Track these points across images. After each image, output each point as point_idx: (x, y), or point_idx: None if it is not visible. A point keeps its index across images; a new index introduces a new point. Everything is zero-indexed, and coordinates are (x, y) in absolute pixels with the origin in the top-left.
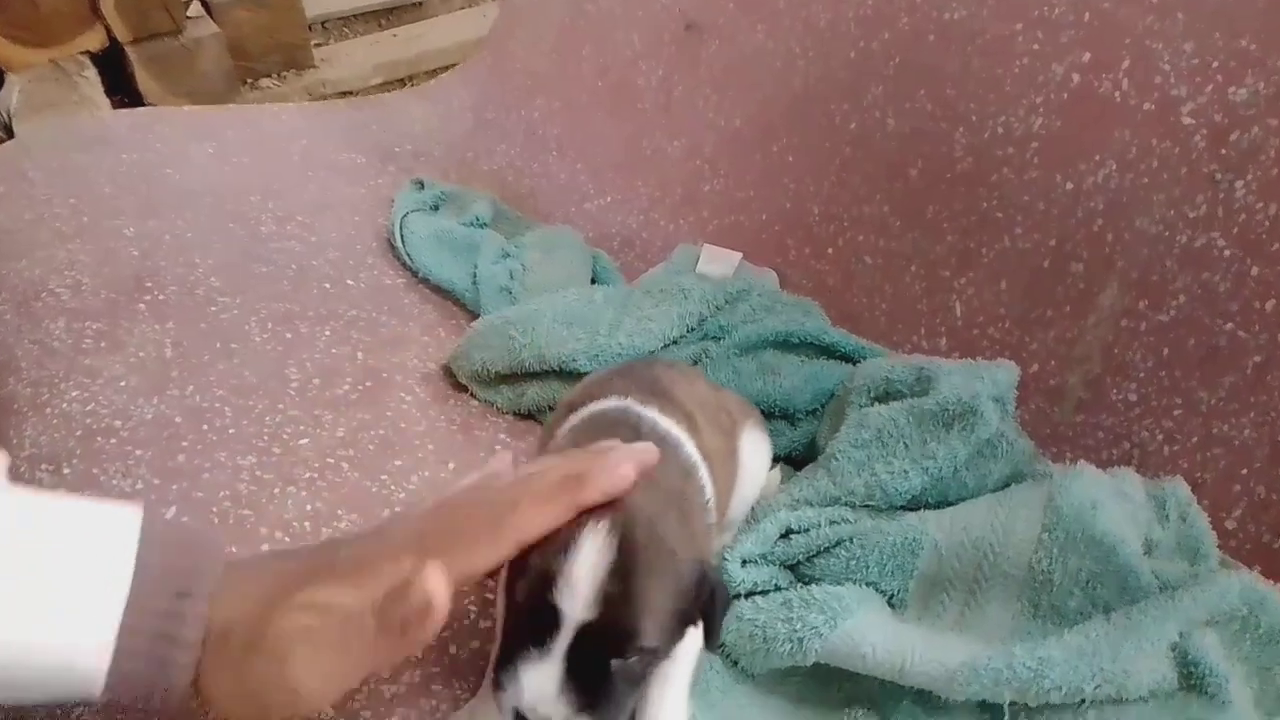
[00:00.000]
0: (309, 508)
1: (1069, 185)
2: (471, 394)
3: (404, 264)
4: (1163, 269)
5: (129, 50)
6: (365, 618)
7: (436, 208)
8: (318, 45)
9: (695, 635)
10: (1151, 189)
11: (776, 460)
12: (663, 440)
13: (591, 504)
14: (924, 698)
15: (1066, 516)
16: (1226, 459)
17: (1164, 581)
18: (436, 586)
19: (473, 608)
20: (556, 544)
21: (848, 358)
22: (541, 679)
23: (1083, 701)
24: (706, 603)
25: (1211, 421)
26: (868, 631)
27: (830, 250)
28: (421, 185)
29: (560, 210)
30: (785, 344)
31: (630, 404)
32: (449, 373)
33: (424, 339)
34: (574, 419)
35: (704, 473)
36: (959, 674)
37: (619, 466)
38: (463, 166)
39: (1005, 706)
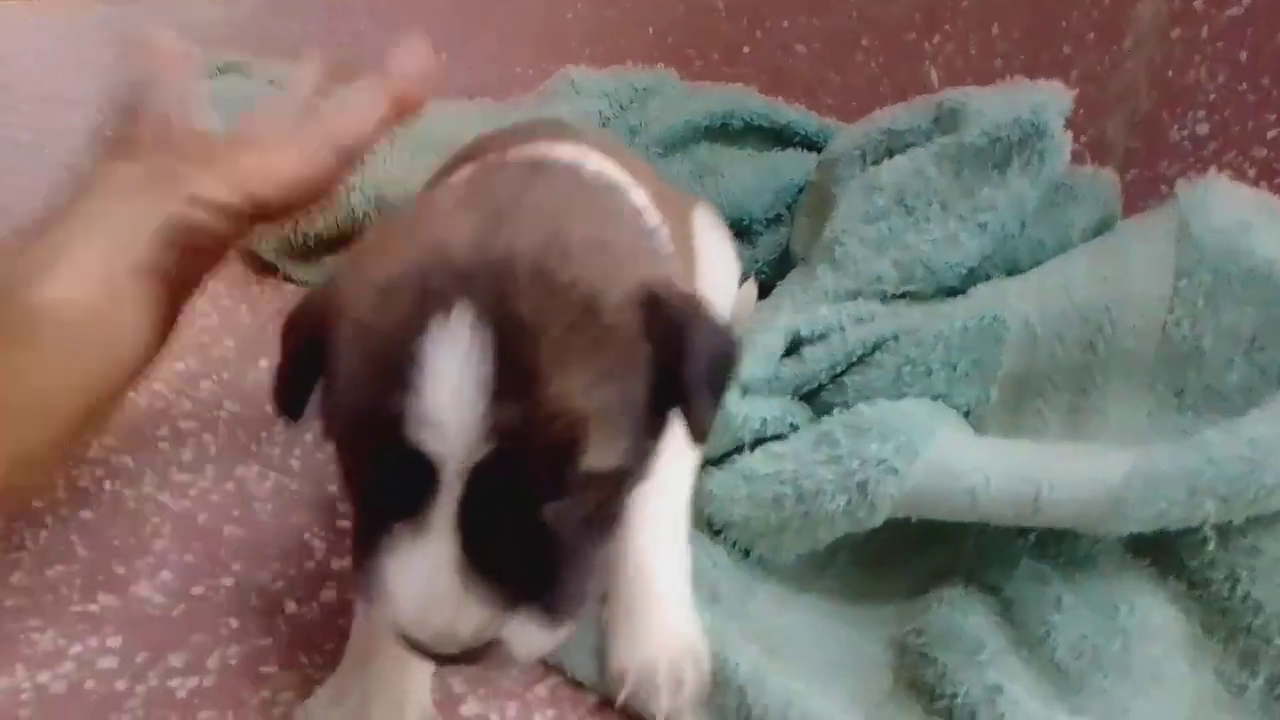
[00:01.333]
0: None
1: None
2: (285, 273)
3: None
4: None
5: None
6: None
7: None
8: None
9: (679, 432)
10: None
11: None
12: (609, 189)
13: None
14: (1051, 549)
15: (1210, 249)
16: None
17: None
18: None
19: (317, 541)
20: (390, 345)
21: (810, 144)
22: (424, 577)
23: None
24: (682, 352)
25: None
26: (967, 455)
27: (747, 49)
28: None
29: None
30: (724, 132)
31: (557, 147)
32: (251, 255)
33: None
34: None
35: (665, 235)
36: (1130, 492)
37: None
38: (246, 42)
39: (1207, 530)
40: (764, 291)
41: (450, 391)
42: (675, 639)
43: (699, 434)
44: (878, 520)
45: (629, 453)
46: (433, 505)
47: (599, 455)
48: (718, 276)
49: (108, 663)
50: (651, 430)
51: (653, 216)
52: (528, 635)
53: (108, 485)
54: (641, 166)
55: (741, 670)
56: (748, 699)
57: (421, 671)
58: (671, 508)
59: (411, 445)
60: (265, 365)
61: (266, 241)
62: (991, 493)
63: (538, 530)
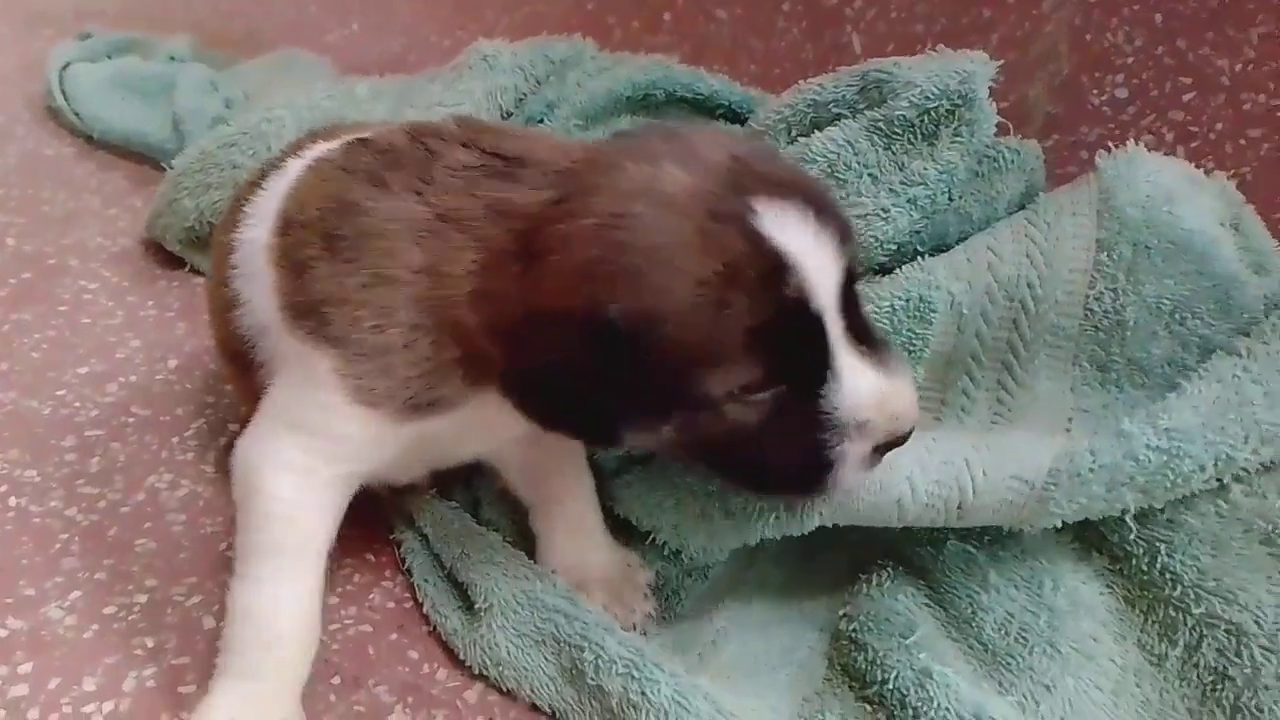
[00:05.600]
0: None
1: None
2: (191, 265)
3: (71, 126)
4: None
5: None
6: None
7: (111, 57)
8: None
9: None
10: None
11: None
12: None
13: None
14: (977, 529)
15: (1131, 222)
16: (1271, 139)
17: (1272, 298)
18: None
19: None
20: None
21: (734, 115)
22: (896, 378)
23: (1230, 478)
24: None
25: (1240, 95)
26: (893, 463)
27: (668, 15)
28: (89, 36)
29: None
30: (646, 104)
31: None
32: (155, 247)
33: (109, 212)
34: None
35: None
36: (1053, 489)
37: None
38: (149, 22)
39: (1128, 520)
40: None
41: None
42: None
43: None
44: (807, 530)
45: None
46: (830, 344)
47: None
48: None
49: (18, 690)
50: None
51: None
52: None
53: (12, 501)
54: None
55: (663, 690)
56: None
57: (295, 687)
58: None
59: (811, 309)
60: (174, 365)
61: (171, 232)
62: (918, 502)
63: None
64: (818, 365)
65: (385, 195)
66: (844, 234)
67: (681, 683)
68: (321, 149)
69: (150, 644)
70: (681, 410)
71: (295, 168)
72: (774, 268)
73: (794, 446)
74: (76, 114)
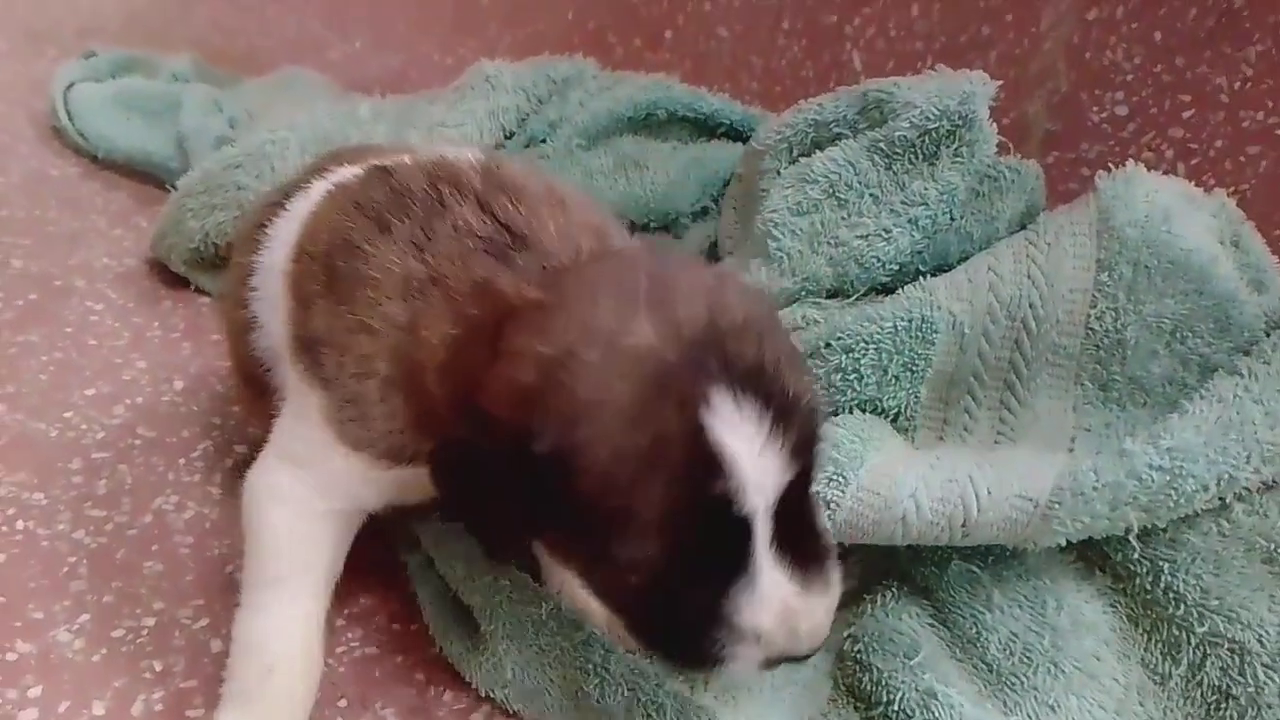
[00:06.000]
0: None
1: None
2: (196, 285)
3: (75, 146)
4: None
5: None
6: None
7: (115, 76)
8: None
9: None
10: None
11: None
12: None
13: None
14: (981, 549)
15: (1131, 241)
16: (1269, 156)
17: (1272, 316)
18: None
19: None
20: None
21: (736, 133)
22: (817, 599)
23: (1232, 497)
24: None
25: (1238, 112)
26: (897, 481)
27: (669, 33)
28: (94, 55)
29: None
30: (647, 124)
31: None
32: (160, 266)
33: (115, 233)
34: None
35: None
36: (1057, 508)
37: None
38: (150, 39)
39: (1132, 539)
40: None
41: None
42: None
43: None
44: None
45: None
46: (751, 548)
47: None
48: None
49: (28, 715)
50: None
51: None
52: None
53: (20, 524)
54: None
55: (668, 712)
56: None
57: (299, 712)
58: None
59: (734, 510)
60: (180, 386)
61: (176, 253)
62: (922, 519)
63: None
64: (731, 567)
65: (386, 242)
66: (802, 442)
67: (685, 703)
68: (345, 174)
69: (158, 667)
70: (586, 554)
71: (318, 191)
72: (705, 464)
73: (688, 631)
74: (81, 134)
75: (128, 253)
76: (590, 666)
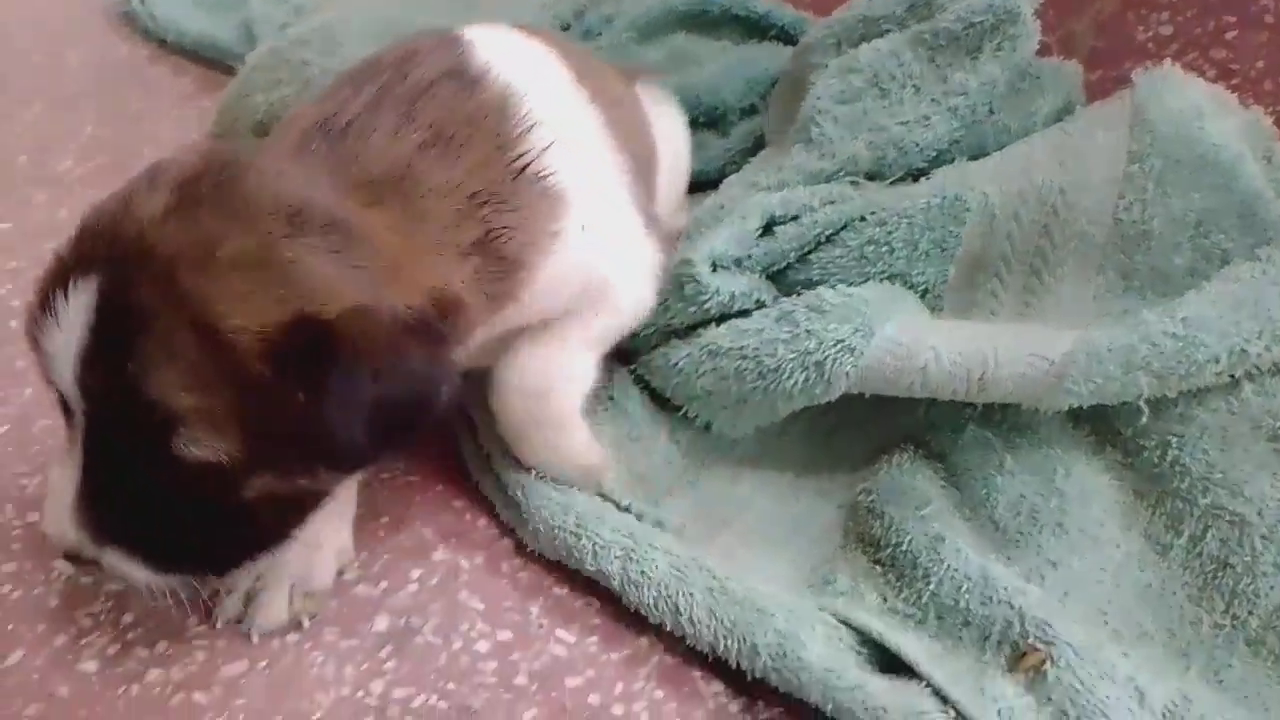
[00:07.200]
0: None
1: None
2: None
3: (145, 30)
4: None
5: None
6: None
7: None
8: None
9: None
10: None
11: (703, 186)
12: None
13: None
14: (996, 418)
15: (1164, 135)
16: None
17: None
18: None
19: None
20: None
21: (786, 37)
22: (56, 489)
23: (1243, 375)
24: (320, 392)
25: None
26: (920, 335)
27: None
28: None
29: None
30: (700, 21)
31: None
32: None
33: (178, 112)
34: None
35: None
36: (1071, 368)
37: None
38: None
39: (1140, 405)
40: None
41: (62, 355)
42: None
43: (340, 466)
44: (833, 395)
45: (256, 457)
46: (73, 437)
47: (197, 447)
48: (672, 139)
49: None
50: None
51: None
52: (121, 566)
53: None
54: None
55: (660, 567)
56: (669, 590)
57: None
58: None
59: (55, 386)
60: None
61: (241, 124)
62: (941, 369)
63: (148, 490)
64: None
65: None
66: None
67: (677, 558)
68: None
69: None
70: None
71: None
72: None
73: None
74: (151, 16)
75: (192, 128)
76: (582, 533)
